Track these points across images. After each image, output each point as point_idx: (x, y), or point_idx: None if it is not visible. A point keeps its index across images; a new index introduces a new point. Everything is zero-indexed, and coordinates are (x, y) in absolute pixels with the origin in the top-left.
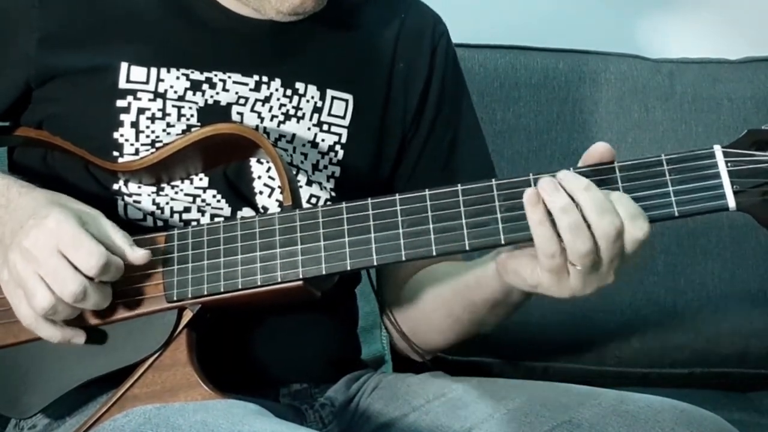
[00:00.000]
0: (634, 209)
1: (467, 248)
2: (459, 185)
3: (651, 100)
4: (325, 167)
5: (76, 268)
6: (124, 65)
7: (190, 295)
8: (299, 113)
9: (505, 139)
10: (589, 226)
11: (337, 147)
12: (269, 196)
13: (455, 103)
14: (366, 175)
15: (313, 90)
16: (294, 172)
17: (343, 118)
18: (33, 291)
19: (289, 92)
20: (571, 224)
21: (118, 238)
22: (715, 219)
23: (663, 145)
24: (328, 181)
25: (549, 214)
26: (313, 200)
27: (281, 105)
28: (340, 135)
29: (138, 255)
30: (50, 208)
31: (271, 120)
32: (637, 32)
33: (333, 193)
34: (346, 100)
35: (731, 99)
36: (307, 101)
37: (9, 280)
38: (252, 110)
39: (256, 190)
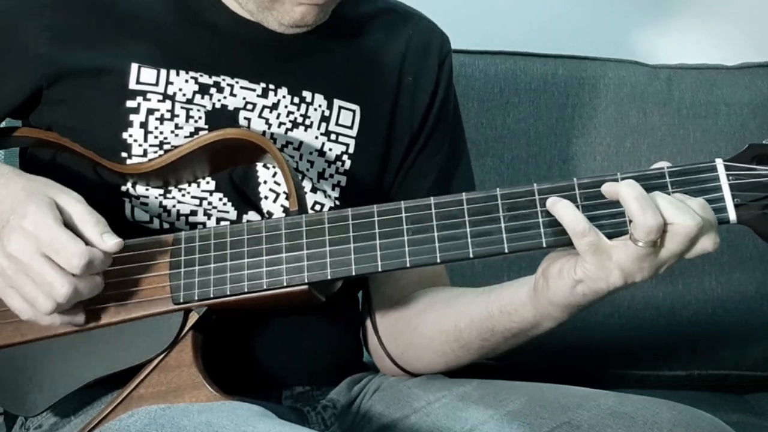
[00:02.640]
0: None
1: (471, 256)
2: (464, 194)
3: (649, 106)
4: (331, 176)
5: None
6: (134, 66)
7: (196, 298)
8: (307, 121)
9: (505, 144)
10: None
11: (345, 157)
12: (274, 201)
13: (454, 122)
14: (371, 186)
15: (320, 99)
16: (300, 178)
17: (351, 128)
18: (33, 297)
19: (296, 100)
20: (638, 196)
21: (89, 228)
22: None
23: (661, 150)
24: (333, 189)
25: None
26: (317, 207)
27: (289, 112)
28: (348, 145)
29: (108, 245)
30: (27, 205)
31: (279, 127)
32: (636, 38)
33: (337, 202)
34: (353, 111)
35: (728, 104)
36: (315, 110)
37: None
38: (260, 116)
39: (262, 195)
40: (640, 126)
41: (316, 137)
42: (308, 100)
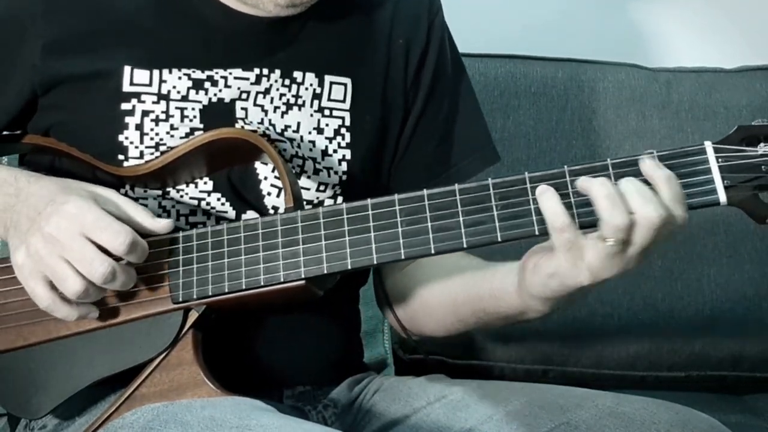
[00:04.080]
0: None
1: (465, 246)
2: (456, 185)
3: (648, 109)
4: (335, 151)
5: (102, 249)
6: (126, 69)
7: (195, 296)
8: (299, 101)
9: (505, 147)
10: (631, 213)
11: (343, 130)
12: (278, 196)
13: (453, 78)
14: (376, 155)
15: (311, 77)
16: (301, 163)
17: (343, 101)
18: (63, 276)
19: (287, 82)
20: (608, 195)
21: (138, 213)
22: (712, 224)
23: None
24: (339, 164)
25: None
26: (322, 187)
27: (281, 95)
28: (342, 118)
29: (162, 224)
30: (67, 194)
31: (275, 111)
32: (635, 41)
33: (344, 177)
34: (345, 84)
35: (727, 107)
36: (306, 89)
37: (24, 264)
38: (255, 104)
39: (264, 192)
40: (639, 129)
41: (311, 115)
42: (299, 80)
